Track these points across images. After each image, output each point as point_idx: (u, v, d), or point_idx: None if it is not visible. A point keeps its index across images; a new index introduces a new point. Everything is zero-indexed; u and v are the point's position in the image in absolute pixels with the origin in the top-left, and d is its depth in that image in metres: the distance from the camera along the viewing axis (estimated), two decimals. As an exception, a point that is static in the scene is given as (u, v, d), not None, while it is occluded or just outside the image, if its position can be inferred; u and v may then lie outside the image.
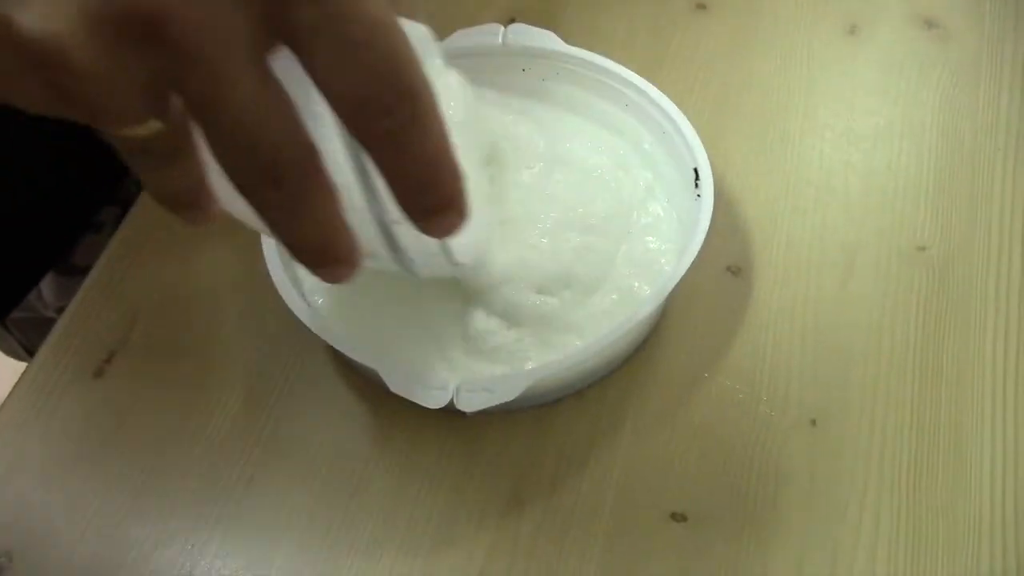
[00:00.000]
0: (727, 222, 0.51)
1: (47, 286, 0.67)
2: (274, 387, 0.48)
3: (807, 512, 0.43)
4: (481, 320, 0.45)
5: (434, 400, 0.41)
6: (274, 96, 0.23)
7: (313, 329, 0.43)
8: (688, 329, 0.49)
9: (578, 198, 0.48)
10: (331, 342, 0.43)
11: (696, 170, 0.48)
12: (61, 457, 0.47)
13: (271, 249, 0.46)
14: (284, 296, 0.44)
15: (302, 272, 0.47)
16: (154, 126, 0.26)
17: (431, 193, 0.25)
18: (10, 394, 0.48)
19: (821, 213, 0.52)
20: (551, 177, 0.49)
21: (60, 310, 0.70)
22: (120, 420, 0.47)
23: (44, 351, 0.50)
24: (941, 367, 0.46)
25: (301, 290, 0.46)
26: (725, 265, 0.50)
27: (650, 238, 0.48)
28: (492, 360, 0.44)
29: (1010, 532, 0.41)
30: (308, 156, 0.24)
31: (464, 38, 0.54)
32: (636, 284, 0.46)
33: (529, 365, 0.44)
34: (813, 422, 0.45)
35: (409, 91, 0.23)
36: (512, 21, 0.62)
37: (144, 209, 0.55)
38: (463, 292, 0.45)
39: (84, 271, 0.68)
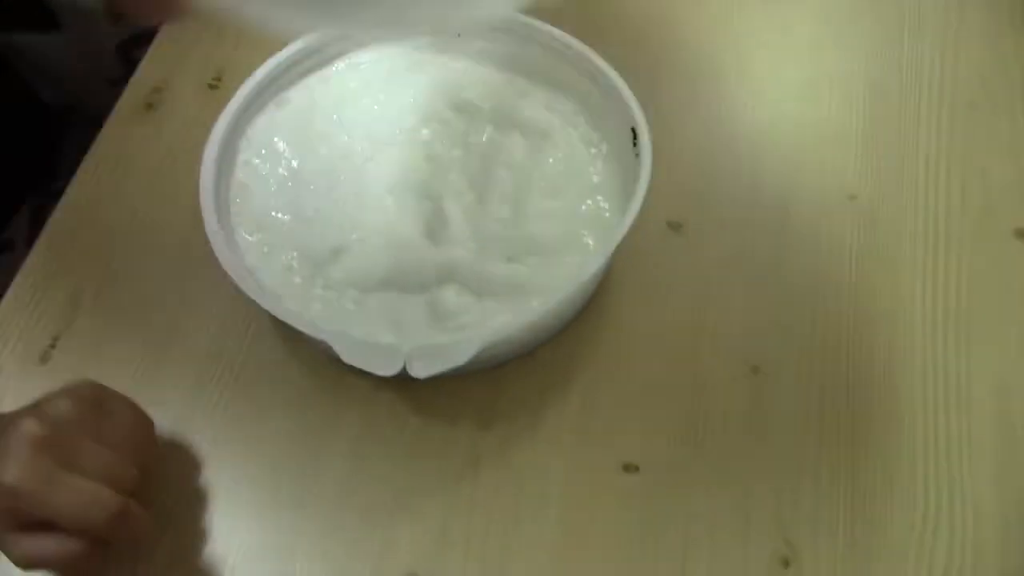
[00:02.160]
0: (666, 179, 0.51)
1: None
2: (226, 366, 0.48)
3: (752, 459, 0.44)
4: (452, 298, 0.45)
5: (386, 367, 0.42)
6: None
7: (264, 305, 0.43)
8: (633, 285, 0.50)
9: (534, 162, 0.49)
10: (281, 316, 0.43)
11: (634, 129, 0.49)
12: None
13: (215, 227, 0.46)
14: (231, 273, 0.44)
15: (244, 246, 0.47)
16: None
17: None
18: (-48, 385, 0.48)
19: (755, 166, 0.53)
20: (505, 142, 0.50)
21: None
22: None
23: (-17, 340, 0.49)
24: (874, 312, 0.48)
25: (246, 265, 0.46)
26: (665, 221, 0.51)
27: (600, 197, 0.49)
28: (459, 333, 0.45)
29: (943, 466, 0.43)
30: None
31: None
32: (591, 243, 0.47)
33: (479, 328, 0.45)
34: (755, 369, 0.47)
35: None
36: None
37: (78, 192, 0.54)
38: (427, 274, 0.46)
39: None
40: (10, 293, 0.50)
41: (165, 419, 0.46)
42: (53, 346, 0.49)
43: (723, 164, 0.53)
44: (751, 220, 0.51)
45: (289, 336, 0.48)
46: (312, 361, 0.47)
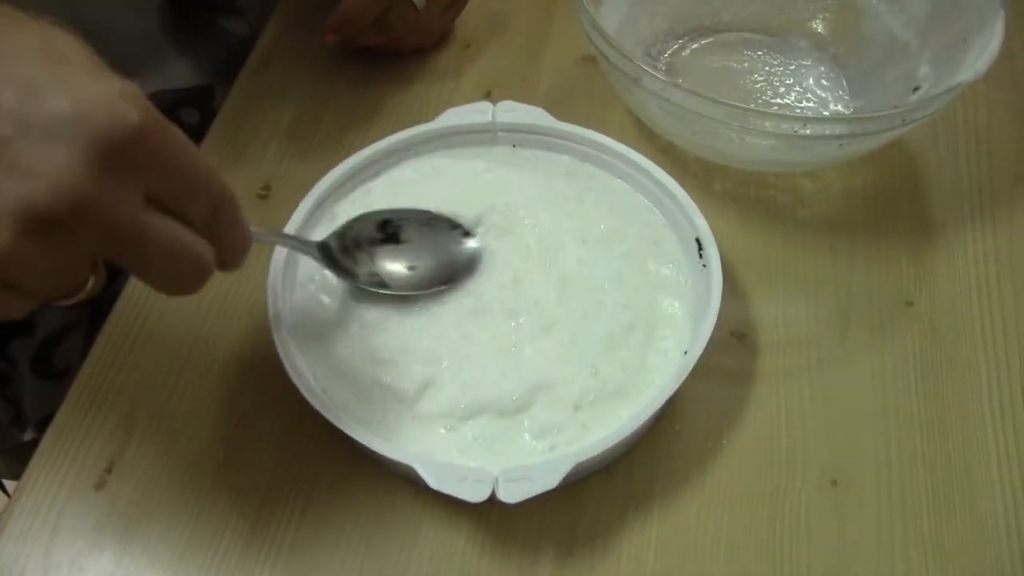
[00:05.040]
0: (726, 288, 0.52)
1: (27, 397, 0.63)
2: (293, 487, 0.46)
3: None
4: (546, 415, 0.44)
5: (475, 493, 0.41)
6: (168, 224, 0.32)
7: (339, 425, 0.42)
8: (701, 397, 0.49)
9: (604, 261, 0.49)
10: (362, 440, 0.42)
11: (699, 240, 0.49)
12: (68, 580, 0.44)
13: (284, 336, 0.45)
14: (300, 386, 0.43)
15: (311, 358, 0.46)
16: (89, 287, 0.33)
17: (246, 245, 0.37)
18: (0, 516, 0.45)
19: (812, 273, 0.54)
20: (572, 249, 0.50)
21: (42, 422, 0.66)
22: (128, 535, 0.45)
23: (35, 467, 0.47)
24: (944, 415, 0.48)
25: (315, 376, 0.45)
26: (729, 330, 0.51)
27: (671, 300, 0.49)
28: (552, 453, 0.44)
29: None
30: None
31: (454, 117, 0.54)
32: (665, 346, 0.47)
33: (569, 446, 0.44)
34: (834, 482, 0.46)
35: (228, 193, 0.35)
36: (488, 95, 0.62)
37: (128, 307, 0.53)
38: (519, 394, 0.45)
39: (63, 373, 0.64)
40: (59, 418, 0.49)
41: (231, 540, 0.44)
42: (109, 471, 0.47)
43: (780, 272, 0.54)
44: (812, 327, 0.52)
45: (362, 458, 0.46)
46: (387, 483, 0.46)
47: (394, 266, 0.49)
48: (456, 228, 0.51)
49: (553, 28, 0.66)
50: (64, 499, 0.46)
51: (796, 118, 0.48)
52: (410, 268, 0.48)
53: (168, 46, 0.65)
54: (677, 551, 0.44)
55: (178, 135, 0.32)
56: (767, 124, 0.49)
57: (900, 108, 0.48)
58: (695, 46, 0.64)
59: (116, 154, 0.29)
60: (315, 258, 0.47)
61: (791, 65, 0.63)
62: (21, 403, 0.68)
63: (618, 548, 0.44)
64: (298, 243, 0.47)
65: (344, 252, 0.48)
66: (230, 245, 0.36)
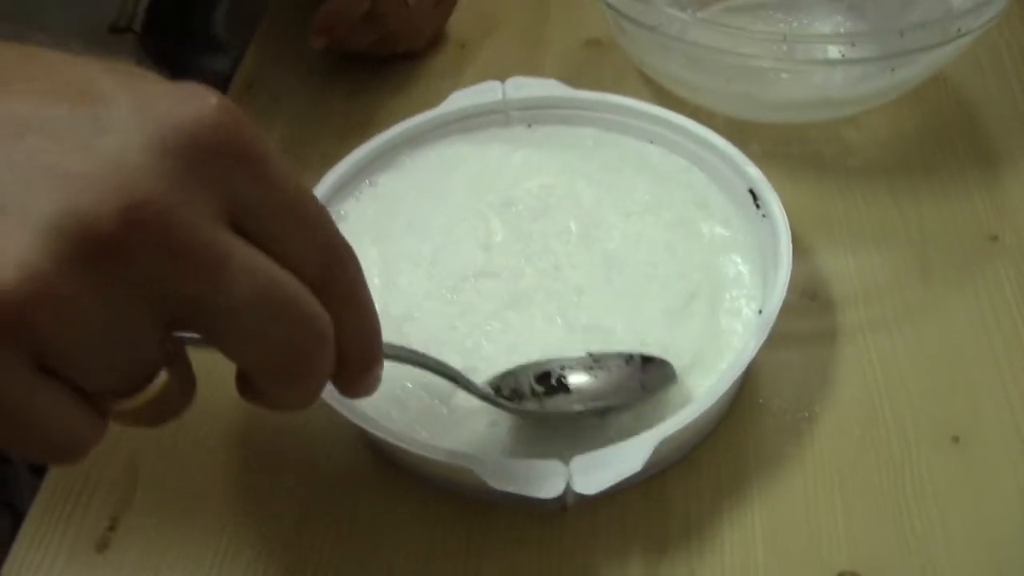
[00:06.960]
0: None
1: (27, 497, 0.57)
2: (326, 518, 0.39)
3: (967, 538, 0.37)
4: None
5: (547, 489, 0.34)
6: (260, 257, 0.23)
7: (375, 432, 0.36)
8: (782, 365, 0.43)
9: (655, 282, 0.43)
10: (404, 445, 0.36)
11: (752, 191, 0.44)
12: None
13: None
14: (326, 397, 0.37)
15: None
16: (159, 382, 0.24)
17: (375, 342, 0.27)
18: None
19: (877, 220, 0.48)
20: (616, 220, 0.44)
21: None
22: (141, 599, 0.38)
23: (26, 533, 0.40)
24: (1059, 356, 0.42)
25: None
26: (799, 291, 0.46)
27: (733, 258, 0.43)
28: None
29: None
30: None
31: (463, 99, 0.49)
32: (736, 307, 0.42)
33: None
34: (955, 439, 0.40)
35: (350, 250, 0.26)
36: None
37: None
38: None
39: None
40: (52, 473, 0.42)
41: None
42: (112, 529, 0.40)
43: (842, 218, 0.48)
44: (890, 274, 0.46)
45: (403, 476, 0.40)
46: (436, 500, 0.39)
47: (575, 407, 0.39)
48: (631, 359, 0.40)
49: (551, 17, 0.62)
50: (61, 567, 0.39)
51: (842, 36, 0.43)
52: (600, 415, 0.39)
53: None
54: (788, 536, 0.38)
55: (276, 151, 0.24)
56: (810, 50, 0.44)
57: (957, 15, 0.43)
58: (702, 15, 0.60)
59: (184, 147, 0.22)
60: (465, 388, 0.37)
61: (804, 20, 0.59)
62: (20, 507, 0.61)
63: (719, 541, 0.38)
64: (448, 370, 0.36)
65: (502, 396, 0.38)
66: (353, 331, 0.26)
